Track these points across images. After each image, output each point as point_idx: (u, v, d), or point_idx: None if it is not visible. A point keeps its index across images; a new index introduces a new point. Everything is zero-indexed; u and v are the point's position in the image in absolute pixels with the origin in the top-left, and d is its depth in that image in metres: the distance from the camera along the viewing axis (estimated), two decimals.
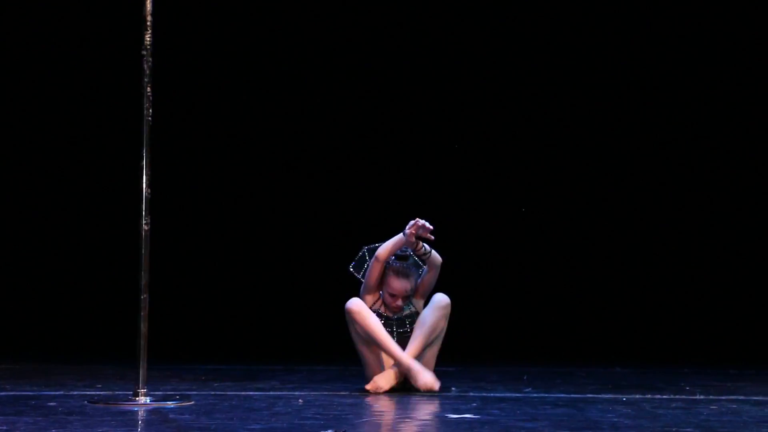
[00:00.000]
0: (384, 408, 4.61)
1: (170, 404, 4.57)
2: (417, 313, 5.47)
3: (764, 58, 8.28)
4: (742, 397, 5.15)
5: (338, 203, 8.42)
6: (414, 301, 5.52)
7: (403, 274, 5.45)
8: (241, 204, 8.44)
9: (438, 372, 5.38)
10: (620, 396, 5.16)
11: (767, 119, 8.32)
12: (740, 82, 8.32)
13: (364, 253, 5.51)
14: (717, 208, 8.37)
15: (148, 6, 4.73)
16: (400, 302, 5.45)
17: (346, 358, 7.27)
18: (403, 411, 4.49)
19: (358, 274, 5.53)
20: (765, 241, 8.33)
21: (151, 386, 4.76)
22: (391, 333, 5.41)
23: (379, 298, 5.49)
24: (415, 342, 5.33)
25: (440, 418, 4.25)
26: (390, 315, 5.47)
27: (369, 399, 4.93)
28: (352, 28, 8.43)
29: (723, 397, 5.13)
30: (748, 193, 8.36)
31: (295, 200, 8.44)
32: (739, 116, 8.35)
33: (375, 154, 8.47)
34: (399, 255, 5.48)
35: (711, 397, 5.16)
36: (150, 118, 4.71)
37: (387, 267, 5.46)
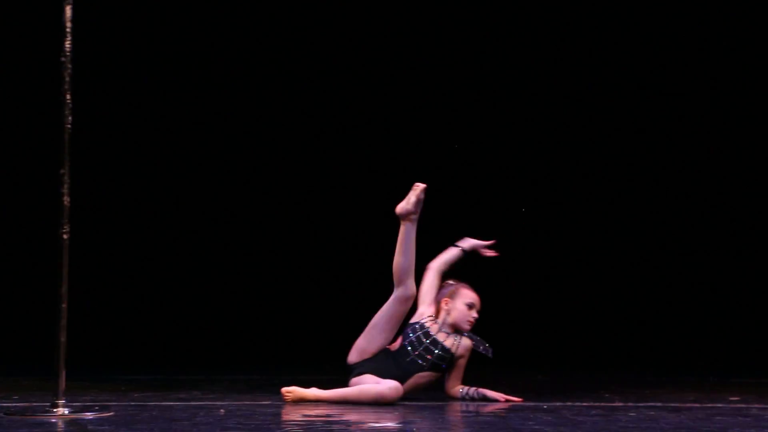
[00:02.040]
0: (307, 417, 4.59)
1: (89, 415, 4.51)
2: (451, 359, 5.36)
3: (764, 58, 8.35)
4: (659, 404, 5.21)
5: (256, 206, 8.40)
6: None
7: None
8: (160, 211, 8.37)
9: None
10: (541, 404, 5.20)
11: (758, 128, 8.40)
12: (740, 83, 8.35)
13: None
14: (622, 217, 8.49)
15: (68, 13, 4.68)
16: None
17: (269, 368, 7.25)
18: (326, 421, 4.48)
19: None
20: (681, 249, 8.45)
21: (70, 397, 4.70)
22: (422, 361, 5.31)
23: (431, 315, 5.40)
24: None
25: (362, 428, 4.25)
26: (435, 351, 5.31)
27: (292, 408, 4.91)
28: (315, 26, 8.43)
29: (641, 404, 5.19)
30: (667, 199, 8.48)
31: (211, 206, 8.39)
32: (740, 125, 8.39)
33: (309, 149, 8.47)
34: None
35: (630, 404, 5.21)
36: (69, 126, 4.65)
37: (452, 285, 5.42)
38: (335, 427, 4.26)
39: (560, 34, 8.45)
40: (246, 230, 8.42)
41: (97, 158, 8.07)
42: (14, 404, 4.94)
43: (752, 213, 8.40)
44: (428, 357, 5.31)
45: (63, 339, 4.59)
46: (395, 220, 5.36)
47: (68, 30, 4.67)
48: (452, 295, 5.42)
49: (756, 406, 5.19)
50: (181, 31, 8.35)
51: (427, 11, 8.41)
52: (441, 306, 5.43)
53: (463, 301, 5.38)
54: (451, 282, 5.50)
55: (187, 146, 8.40)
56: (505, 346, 8.19)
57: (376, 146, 8.46)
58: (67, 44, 4.66)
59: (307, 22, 8.42)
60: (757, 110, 8.36)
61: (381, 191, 8.35)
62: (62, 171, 4.63)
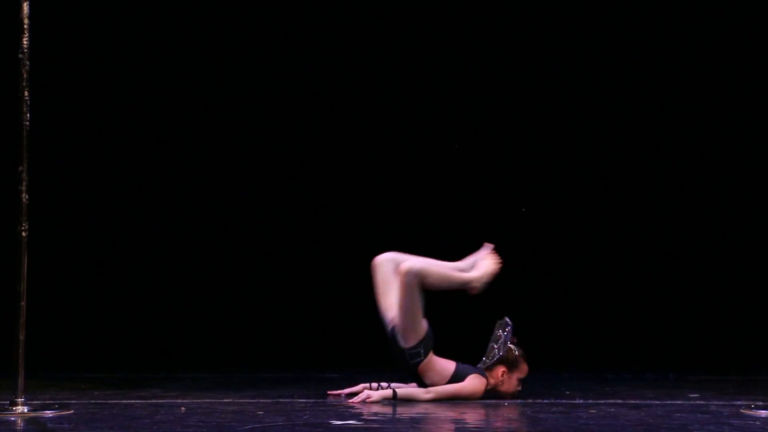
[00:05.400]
0: (267, 415, 4.59)
1: (49, 413, 4.49)
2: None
3: (763, 58, 8.35)
4: (619, 401, 5.24)
5: (212, 202, 8.38)
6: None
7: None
8: (119, 208, 8.32)
9: (321, 378, 5.37)
10: (502, 401, 5.21)
11: (765, 128, 8.41)
12: (740, 84, 8.33)
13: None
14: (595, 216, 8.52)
15: (25, 9, 4.65)
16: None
17: (230, 366, 7.23)
18: (287, 418, 4.47)
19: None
20: (636, 247, 8.48)
21: (29, 395, 4.68)
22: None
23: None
24: None
25: (324, 425, 4.25)
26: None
27: (253, 407, 4.90)
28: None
29: (602, 401, 5.21)
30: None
31: (168, 203, 8.35)
32: (738, 129, 8.37)
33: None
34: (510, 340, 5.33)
35: (590, 401, 5.24)
36: (28, 123, 4.63)
37: (509, 355, 5.27)
38: (294, 423, 4.26)
39: (561, 34, 8.43)
40: (204, 229, 8.38)
41: (55, 155, 8.02)
42: None
43: (710, 214, 8.45)
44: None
45: (22, 337, 4.57)
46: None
47: (26, 26, 4.64)
48: (512, 368, 5.30)
49: (715, 402, 5.23)
50: (143, 25, 8.31)
51: (426, 11, 8.40)
52: (497, 374, 5.30)
53: (519, 377, 5.31)
54: (510, 343, 5.35)
55: (144, 143, 8.35)
56: (467, 344, 8.28)
57: (375, 146, 8.43)
58: (25, 41, 4.63)
59: (300, 20, 8.39)
60: (753, 109, 8.37)
61: (356, 195, 8.43)
62: (20, 168, 4.61)
